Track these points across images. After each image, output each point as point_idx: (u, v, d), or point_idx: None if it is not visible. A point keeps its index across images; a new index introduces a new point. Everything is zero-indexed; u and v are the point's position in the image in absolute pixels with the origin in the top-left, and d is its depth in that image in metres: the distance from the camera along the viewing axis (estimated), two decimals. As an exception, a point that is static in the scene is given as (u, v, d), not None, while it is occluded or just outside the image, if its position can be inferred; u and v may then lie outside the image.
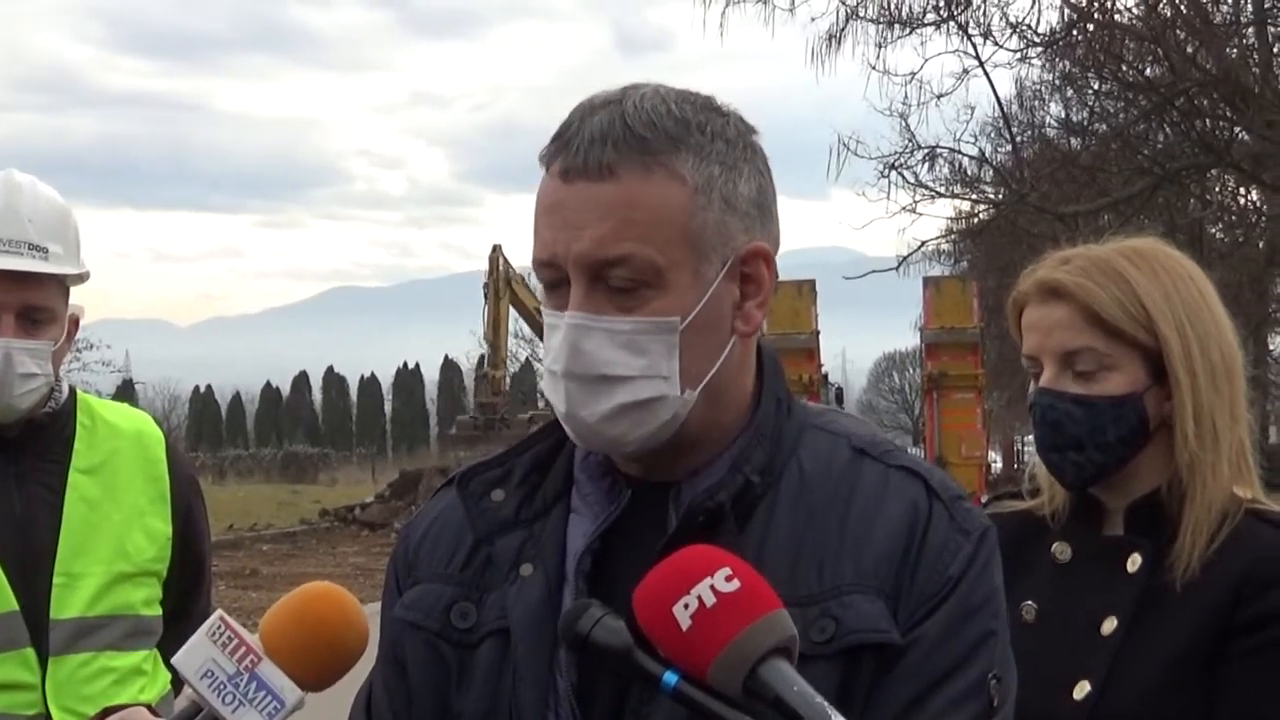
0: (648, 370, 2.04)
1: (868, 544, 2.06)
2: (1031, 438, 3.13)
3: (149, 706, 2.37)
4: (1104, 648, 2.84)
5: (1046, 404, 2.92)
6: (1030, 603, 2.91)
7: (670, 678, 1.87)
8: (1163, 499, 2.89)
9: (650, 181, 2.02)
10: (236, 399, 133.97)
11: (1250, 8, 17.05)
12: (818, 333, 34.84)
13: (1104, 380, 2.89)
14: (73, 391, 3.66)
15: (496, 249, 40.02)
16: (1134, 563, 2.88)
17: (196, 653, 2.16)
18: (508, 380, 44.59)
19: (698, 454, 2.12)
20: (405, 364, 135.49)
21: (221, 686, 2.14)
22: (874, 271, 24.37)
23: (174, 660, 2.18)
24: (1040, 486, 3.05)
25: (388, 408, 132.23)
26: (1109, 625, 2.85)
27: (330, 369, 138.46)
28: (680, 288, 2.04)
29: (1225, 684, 2.76)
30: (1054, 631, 2.89)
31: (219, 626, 2.17)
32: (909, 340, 67.48)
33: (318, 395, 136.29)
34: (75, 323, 3.62)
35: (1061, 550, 2.98)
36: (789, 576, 1.98)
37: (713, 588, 1.85)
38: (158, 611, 3.59)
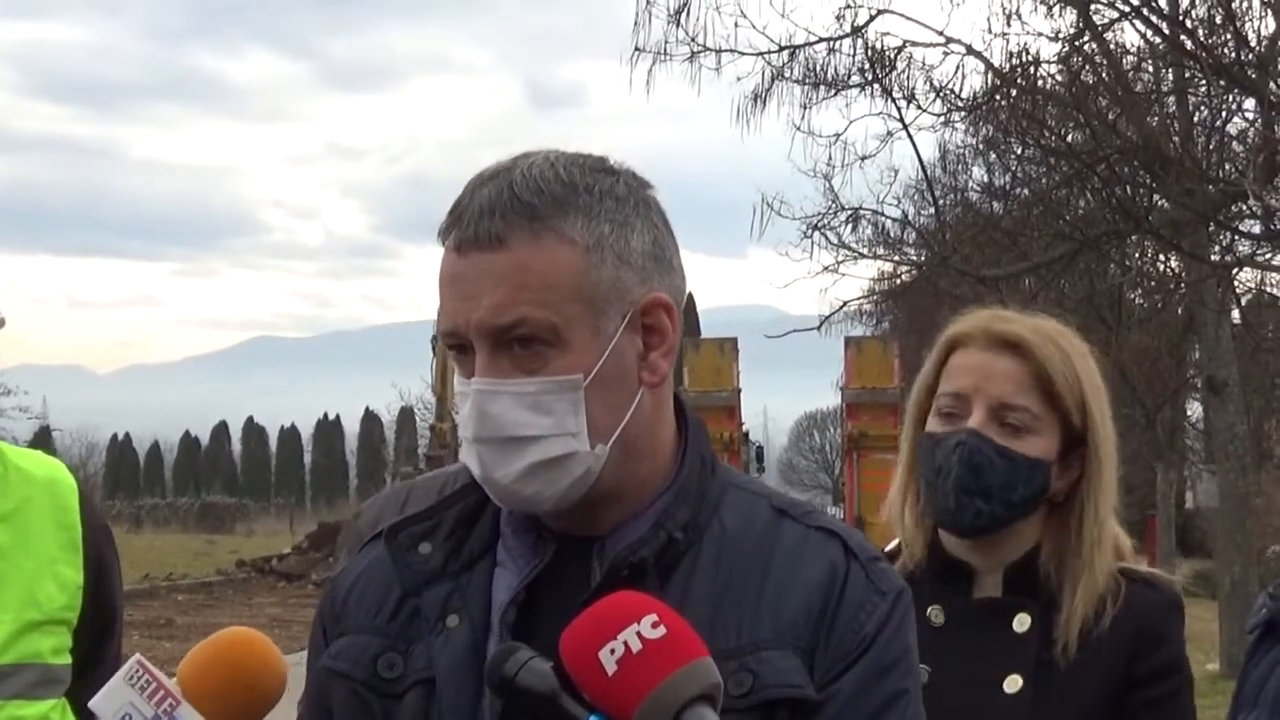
0: (555, 429, 2.08)
1: (786, 602, 2.10)
2: None
3: None
4: (1013, 706, 2.92)
5: (975, 446, 2.98)
6: (922, 665, 2.95)
7: None
8: (1042, 564, 3.00)
9: (540, 246, 2.07)
10: (155, 448, 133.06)
11: (1171, 77, 17.26)
12: (739, 390, 34.97)
13: (1027, 440, 2.98)
14: (-15, 436, 3.61)
15: None
16: (1022, 623, 2.97)
17: (114, 696, 2.16)
18: (455, 433, 44.30)
19: (618, 507, 2.16)
20: (325, 415, 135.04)
21: None
22: (795, 331, 24.46)
23: (91, 704, 2.17)
24: (898, 547, 3.13)
25: (307, 459, 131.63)
26: (1012, 684, 2.93)
27: (250, 419, 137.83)
28: (580, 345, 2.08)
29: None
30: (950, 693, 2.91)
31: (137, 670, 2.17)
32: (830, 400, 67.73)
33: (237, 445, 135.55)
34: (-9, 368, 3.58)
35: (935, 613, 3.04)
36: (709, 631, 2.00)
37: (639, 634, 1.88)
38: (67, 660, 3.53)
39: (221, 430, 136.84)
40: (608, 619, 1.90)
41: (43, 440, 73.66)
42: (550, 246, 2.07)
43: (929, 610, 3.03)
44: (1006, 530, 3.01)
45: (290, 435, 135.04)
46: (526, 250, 2.07)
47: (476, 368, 2.10)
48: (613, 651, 1.87)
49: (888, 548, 3.13)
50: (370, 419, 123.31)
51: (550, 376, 2.08)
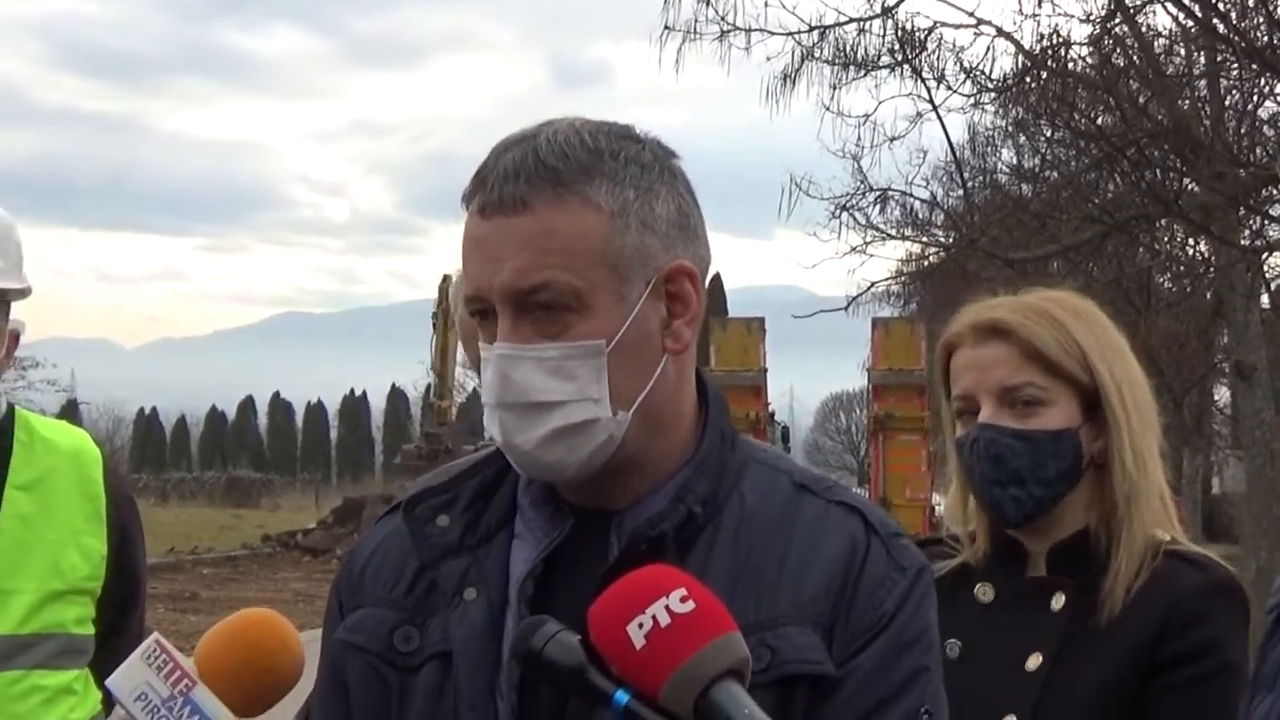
0: (577, 394, 2.07)
1: (805, 577, 2.09)
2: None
3: None
4: (1030, 683, 2.91)
5: (989, 438, 2.98)
6: (954, 640, 2.96)
7: (621, 696, 1.88)
8: (1091, 538, 2.98)
9: (564, 210, 2.06)
10: (181, 422, 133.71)
11: (1203, 60, 17.18)
12: (765, 370, 34.94)
13: (1042, 415, 2.97)
14: (11, 408, 3.62)
15: (446, 278, 39.95)
16: (1058, 601, 2.96)
17: (131, 675, 2.17)
18: (454, 410, 44.58)
19: (639, 480, 2.15)
20: (352, 391, 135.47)
21: (155, 710, 2.15)
22: (823, 311, 24.45)
23: (108, 681, 2.19)
24: (960, 537, 3.12)
25: (333, 434, 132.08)
26: (1034, 661, 2.93)
27: (276, 394, 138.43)
28: (603, 310, 2.07)
29: (1150, 718, 2.85)
30: (979, 668, 2.95)
31: (154, 650, 2.18)
32: (857, 381, 67.68)
33: (263, 420, 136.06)
34: (15, 338, 3.58)
35: (984, 591, 3.05)
36: (727, 606, 1.97)
37: (668, 608, 1.87)
38: (90, 631, 3.55)
39: (248, 405, 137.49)
40: (636, 593, 1.89)
41: (70, 413, 73.98)
42: (575, 211, 2.06)
43: (977, 588, 3.04)
44: (1057, 508, 2.99)
45: (316, 411, 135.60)
46: (551, 214, 2.06)
47: (499, 332, 2.08)
48: (641, 625, 1.86)
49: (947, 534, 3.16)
50: (396, 395, 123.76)
51: (573, 342, 2.07)
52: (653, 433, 2.14)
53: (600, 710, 1.92)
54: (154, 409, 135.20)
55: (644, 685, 1.86)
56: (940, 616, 2.20)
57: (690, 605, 1.87)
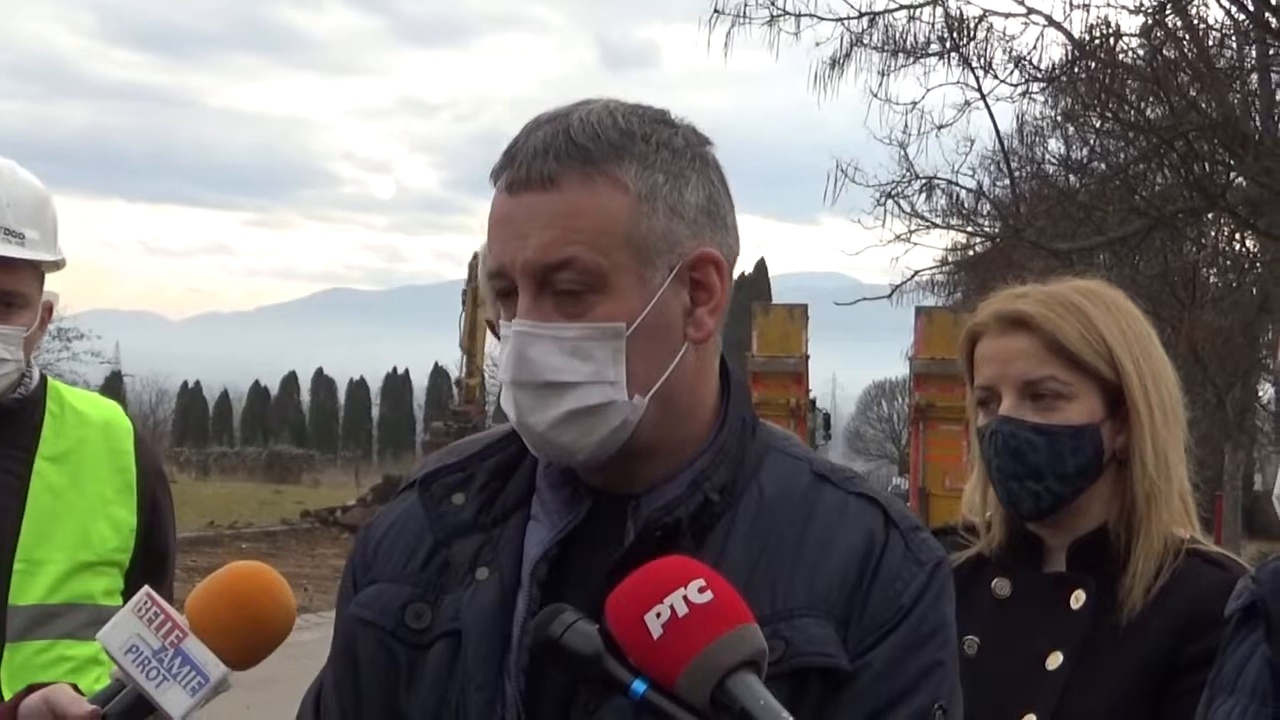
0: (594, 376, 2.06)
1: (822, 569, 2.08)
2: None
3: (74, 685, 2.35)
4: (1050, 681, 2.88)
5: (1008, 432, 2.96)
6: (972, 637, 2.94)
7: (639, 686, 1.88)
8: (1110, 535, 2.95)
9: (593, 190, 2.05)
10: (224, 396, 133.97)
11: (1254, 54, 17.08)
12: (807, 357, 34.84)
13: (1064, 409, 2.95)
14: (43, 378, 3.64)
15: (477, 255, 39.71)
16: (1077, 599, 2.93)
17: (122, 628, 2.19)
18: (486, 389, 44.43)
19: (656, 466, 2.14)
20: (395, 369, 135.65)
21: (146, 662, 2.17)
22: (866, 299, 24.42)
23: (99, 635, 2.22)
24: (976, 527, 3.09)
25: (375, 412, 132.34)
26: (1054, 660, 2.90)
27: (319, 370, 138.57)
28: (625, 293, 2.06)
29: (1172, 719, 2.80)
30: (996, 665, 2.93)
31: (145, 602, 2.20)
32: (900, 369, 67.53)
33: (306, 396, 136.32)
34: (49, 309, 3.60)
35: (1001, 586, 3.03)
36: (743, 596, 1.96)
37: (685, 598, 1.87)
38: (118, 602, 3.55)
39: (291, 381, 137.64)
40: (655, 582, 1.89)
41: (113, 385, 74.22)
42: (603, 191, 2.05)
43: (994, 583, 3.02)
44: (1076, 503, 2.96)
45: (359, 388, 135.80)
46: (578, 193, 2.05)
47: (519, 310, 2.07)
48: (659, 615, 1.86)
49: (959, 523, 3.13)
50: (439, 374, 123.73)
51: (592, 323, 2.05)
52: (670, 419, 2.12)
53: (610, 695, 1.93)
54: (197, 382, 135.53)
55: (661, 675, 1.86)
56: (956, 608, 2.18)
57: (708, 596, 1.86)
